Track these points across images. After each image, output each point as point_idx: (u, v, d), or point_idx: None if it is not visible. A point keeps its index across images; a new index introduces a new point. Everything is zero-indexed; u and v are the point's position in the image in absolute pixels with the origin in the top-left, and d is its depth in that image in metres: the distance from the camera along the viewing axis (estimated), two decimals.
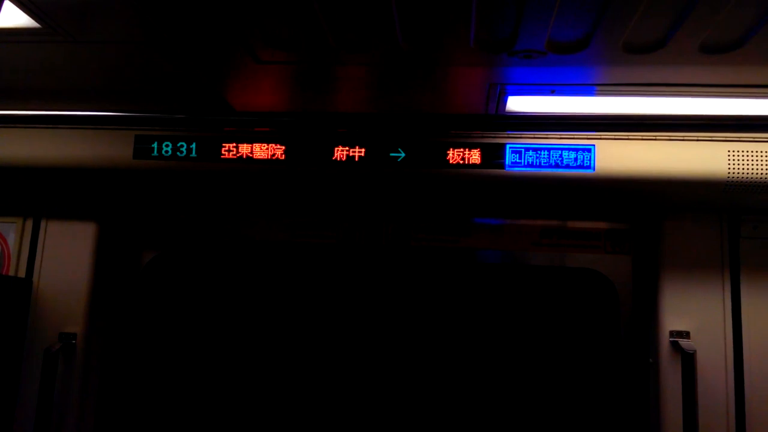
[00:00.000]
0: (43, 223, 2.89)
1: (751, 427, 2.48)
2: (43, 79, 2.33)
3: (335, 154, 2.45)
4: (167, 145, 2.51)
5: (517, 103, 2.27)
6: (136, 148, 2.53)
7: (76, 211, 2.88)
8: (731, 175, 2.32)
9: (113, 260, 2.97)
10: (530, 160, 2.40)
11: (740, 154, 2.32)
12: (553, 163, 2.39)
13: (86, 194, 2.85)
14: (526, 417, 2.88)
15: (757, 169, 2.31)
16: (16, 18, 1.93)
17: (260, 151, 2.48)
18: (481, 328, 2.97)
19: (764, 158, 2.30)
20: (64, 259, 2.84)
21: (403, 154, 2.42)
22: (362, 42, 1.82)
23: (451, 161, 2.42)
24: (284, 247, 3.00)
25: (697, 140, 2.34)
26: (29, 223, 2.89)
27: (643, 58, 1.84)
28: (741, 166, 2.31)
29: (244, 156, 2.49)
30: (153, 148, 2.52)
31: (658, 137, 2.35)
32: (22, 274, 2.84)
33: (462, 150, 2.41)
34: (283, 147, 2.46)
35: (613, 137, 2.37)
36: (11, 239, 2.88)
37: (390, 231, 2.98)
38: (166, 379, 3.04)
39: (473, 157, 2.41)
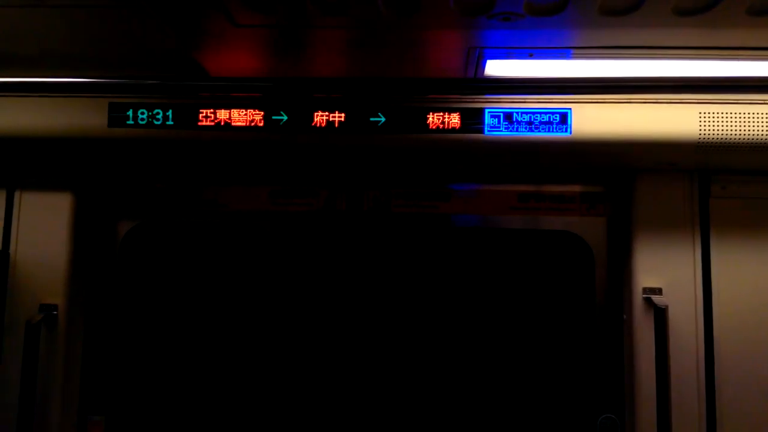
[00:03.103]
0: (17, 195, 2.84)
1: (721, 378, 2.60)
2: (11, 44, 2.26)
3: (315, 120, 2.44)
4: (143, 113, 2.47)
5: (496, 67, 2.28)
6: (110, 116, 2.49)
7: (51, 181, 2.83)
8: (702, 136, 2.38)
9: (91, 230, 2.94)
10: (508, 125, 2.42)
11: (711, 115, 2.38)
12: (532, 127, 2.42)
13: (61, 164, 2.80)
14: (504, 377, 2.97)
15: (727, 130, 2.37)
16: None
17: (238, 117, 2.46)
18: (462, 291, 3.03)
19: (734, 119, 2.36)
20: (41, 230, 2.81)
21: (383, 119, 2.43)
22: (340, 4, 1.80)
23: (431, 126, 2.43)
24: (264, 216, 3.00)
25: (670, 102, 2.38)
26: (2, 195, 2.84)
27: (619, 20, 1.86)
28: (712, 128, 2.37)
29: (222, 122, 2.47)
30: (128, 115, 2.47)
31: (632, 100, 2.39)
32: None
33: (441, 114, 2.42)
34: (262, 113, 2.45)
35: (589, 100, 2.40)
36: None
37: (371, 197, 3.00)
38: (148, 348, 3.05)
39: (452, 121, 2.42)
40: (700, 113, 2.37)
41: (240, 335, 3.04)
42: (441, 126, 2.42)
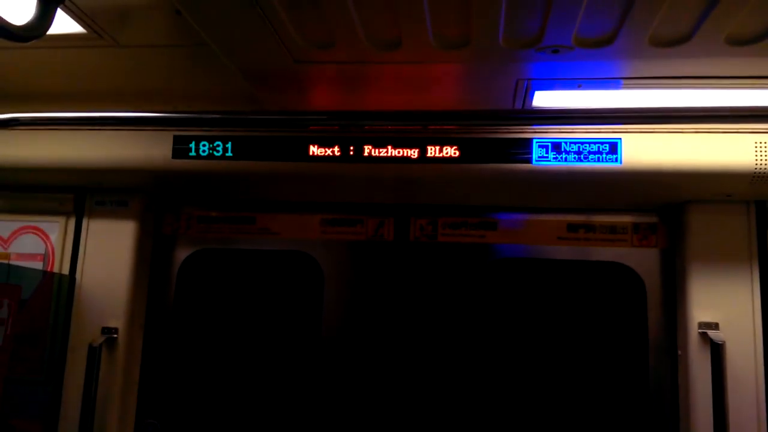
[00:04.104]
0: (85, 221, 3.00)
1: None
2: (87, 82, 2.45)
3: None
4: (204, 145, 2.61)
5: (544, 98, 2.31)
6: (174, 148, 2.64)
7: (117, 209, 2.99)
8: (758, 166, 2.34)
9: (152, 257, 3.07)
10: (557, 155, 2.44)
11: (767, 145, 2.33)
12: (580, 157, 2.42)
13: (126, 193, 2.96)
14: (554, 412, 2.91)
15: None
16: (64, 25, 2.04)
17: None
18: (508, 322, 3.00)
19: None
20: (106, 256, 2.96)
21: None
22: (394, 41, 1.88)
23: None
24: (315, 244, 3.07)
25: (724, 132, 2.35)
26: (72, 222, 3.01)
27: (670, 51, 1.87)
28: None
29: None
30: (191, 147, 2.62)
31: (684, 130, 2.37)
32: (65, 271, 2.96)
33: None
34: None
35: (639, 130, 2.40)
36: (54, 237, 3.01)
37: (418, 226, 3.04)
38: (204, 371, 3.13)
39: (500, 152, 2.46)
40: (756, 143, 2.33)
41: (293, 359, 3.08)
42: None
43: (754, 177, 2.35)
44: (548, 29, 1.78)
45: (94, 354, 2.78)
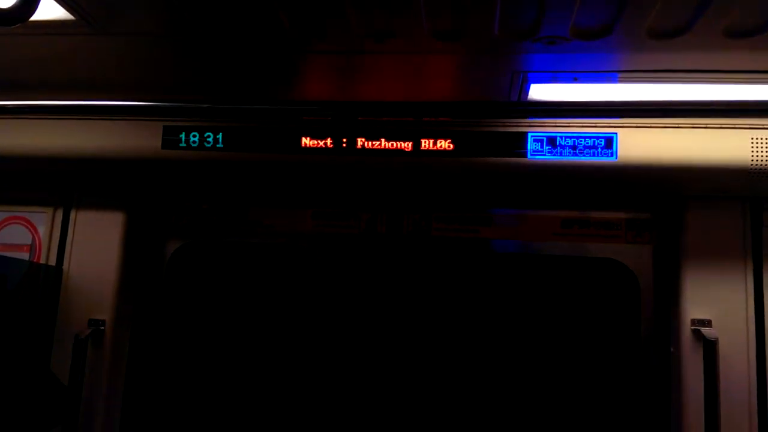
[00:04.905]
0: (72, 213, 2.96)
1: None
2: (74, 70, 2.39)
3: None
4: (194, 136, 2.57)
5: (540, 91, 2.29)
6: (164, 138, 2.59)
7: (105, 200, 2.95)
8: (754, 162, 2.32)
9: (141, 249, 3.03)
10: (552, 149, 2.41)
11: (764, 141, 2.31)
12: (576, 152, 2.40)
13: (115, 184, 2.92)
14: (546, 407, 2.89)
15: None
16: (51, 10, 1.99)
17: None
18: (501, 317, 2.99)
19: None
20: (93, 247, 2.91)
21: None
22: (389, 31, 1.85)
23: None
24: (307, 238, 3.04)
25: (720, 127, 2.34)
26: (59, 213, 2.97)
27: (667, 43, 1.85)
28: (764, 154, 2.31)
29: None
30: (181, 138, 2.57)
31: (681, 124, 2.35)
32: (52, 262, 2.92)
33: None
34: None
35: (635, 125, 2.38)
36: (42, 228, 2.96)
37: (411, 221, 3.01)
38: (191, 366, 3.10)
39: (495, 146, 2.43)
40: (752, 138, 2.32)
41: (282, 355, 3.06)
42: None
43: (749, 172, 2.34)
44: (545, 20, 1.76)
45: (80, 346, 2.74)
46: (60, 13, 2.00)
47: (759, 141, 2.32)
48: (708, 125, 2.33)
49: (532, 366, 2.93)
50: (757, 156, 2.32)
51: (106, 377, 2.86)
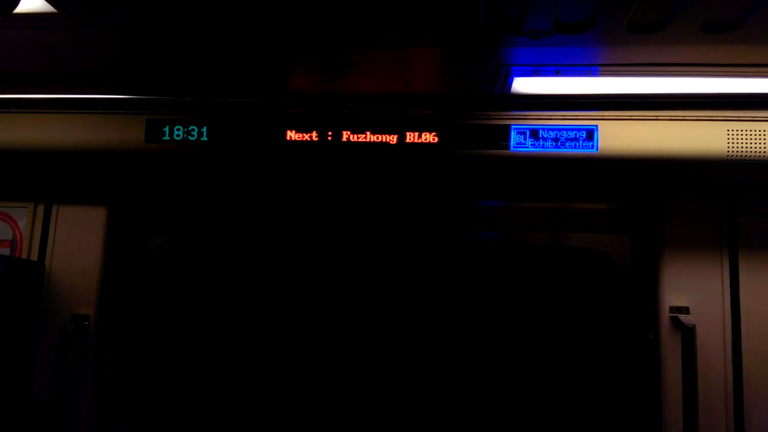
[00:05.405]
0: (54, 208, 2.92)
1: (750, 399, 2.56)
2: (56, 63, 2.36)
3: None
4: (179, 129, 2.55)
5: (523, 84, 2.32)
6: (147, 132, 2.57)
7: (87, 195, 2.92)
8: (730, 153, 2.38)
9: (123, 244, 3.01)
10: (534, 141, 2.45)
11: (739, 132, 2.38)
12: (557, 144, 2.44)
13: (97, 179, 2.89)
14: (527, 394, 2.95)
15: (756, 147, 2.36)
16: (33, 3, 1.96)
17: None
18: (485, 306, 3.04)
19: (762, 137, 2.36)
20: (76, 242, 2.88)
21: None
22: (375, 24, 1.86)
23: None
24: (287, 235, 3.04)
25: (697, 119, 2.39)
26: (41, 208, 2.93)
27: (646, 38, 1.89)
28: (740, 145, 2.37)
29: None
30: (164, 131, 2.56)
31: (659, 117, 2.40)
32: (34, 257, 2.88)
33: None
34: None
35: (616, 117, 2.42)
36: (23, 223, 2.92)
37: (395, 213, 3.03)
38: (176, 360, 3.09)
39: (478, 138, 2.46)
40: (728, 130, 2.38)
41: (267, 347, 3.06)
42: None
43: (725, 164, 2.40)
44: (528, 14, 1.78)
45: (64, 341, 2.72)
46: (41, 5, 1.98)
47: (735, 132, 2.38)
48: (686, 117, 2.39)
49: (513, 353, 2.98)
50: (733, 147, 2.38)
51: (92, 371, 2.84)
